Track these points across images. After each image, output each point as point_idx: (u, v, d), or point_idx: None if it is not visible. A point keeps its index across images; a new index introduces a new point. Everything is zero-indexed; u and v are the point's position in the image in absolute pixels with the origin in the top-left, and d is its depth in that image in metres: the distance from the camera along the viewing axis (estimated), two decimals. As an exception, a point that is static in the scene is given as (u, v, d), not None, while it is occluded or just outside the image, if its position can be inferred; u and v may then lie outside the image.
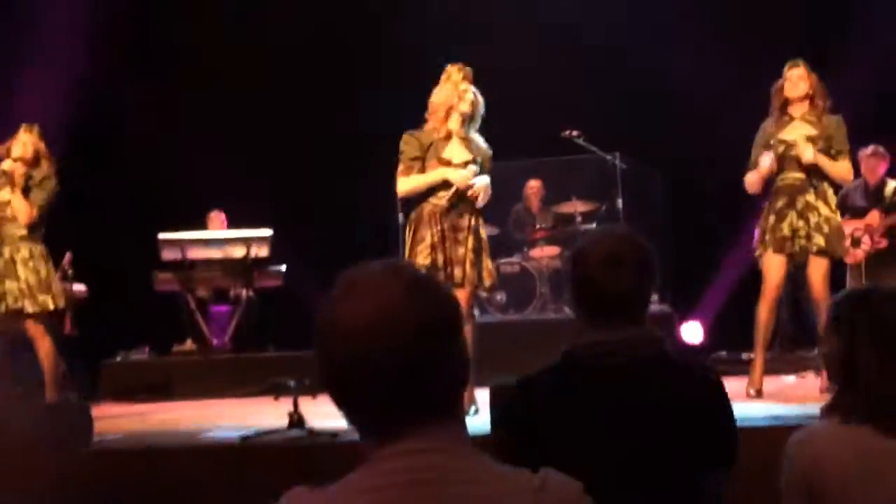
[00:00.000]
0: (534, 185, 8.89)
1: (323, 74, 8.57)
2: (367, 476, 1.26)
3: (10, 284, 5.50)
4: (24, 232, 5.58)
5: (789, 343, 6.78)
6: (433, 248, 4.82)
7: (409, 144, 4.93)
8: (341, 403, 1.30)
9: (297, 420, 4.43)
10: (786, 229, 5.18)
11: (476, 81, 5.01)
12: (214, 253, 7.59)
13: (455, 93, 4.92)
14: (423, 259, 4.78)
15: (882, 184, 6.84)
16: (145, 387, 6.94)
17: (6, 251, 5.56)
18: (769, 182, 5.28)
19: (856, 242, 6.43)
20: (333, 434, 4.16)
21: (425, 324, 1.26)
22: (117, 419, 5.77)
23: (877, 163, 6.80)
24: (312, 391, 4.74)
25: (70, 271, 7.21)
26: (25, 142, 5.66)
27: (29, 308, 5.52)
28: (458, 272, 4.84)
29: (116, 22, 8.42)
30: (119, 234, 8.32)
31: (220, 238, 7.73)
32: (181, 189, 8.12)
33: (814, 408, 4.36)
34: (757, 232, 5.39)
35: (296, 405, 4.49)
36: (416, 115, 5.04)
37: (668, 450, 1.96)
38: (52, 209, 5.69)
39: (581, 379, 2.02)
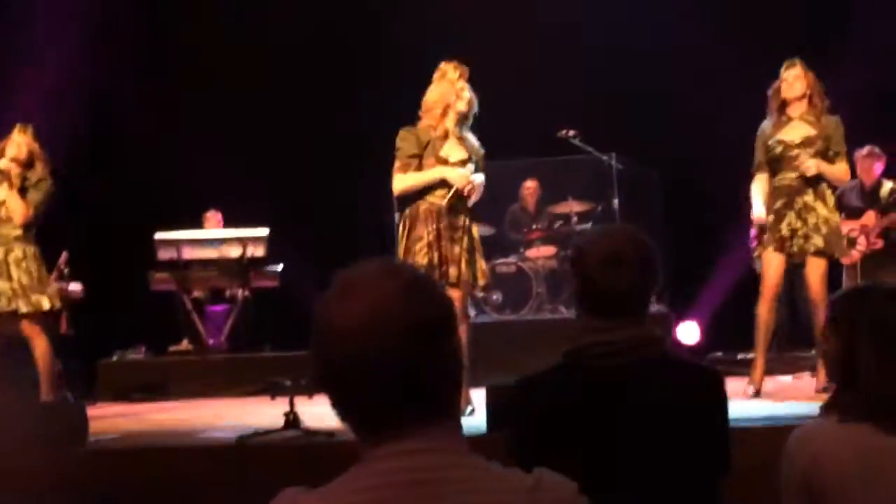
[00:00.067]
0: (530, 185, 8.89)
1: (323, 74, 8.57)
2: (362, 476, 1.26)
3: (3, 285, 5.50)
4: (18, 232, 5.57)
5: (786, 343, 6.78)
6: (429, 246, 4.81)
7: (406, 141, 4.90)
8: (336, 403, 1.30)
9: (293, 420, 4.42)
10: (784, 230, 5.19)
11: (474, 80, 5.00)
12: (211, 253, 7.58)
13: (452, 91, 4.90)
14: (421, 258, 4.77)
15: (878, 184, 6.84)
16: (141, 386, 6.94)
17: (0, 252, 5.55)
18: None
19: (851, 243, 6.43)
20: (330, 434, 4.15)
21: (420, 324, 1.26)
22: (113, 419, 5.76)
23: (872, 163, 6.81)
24: (309, 391, 4.73)
25: (66, 270, 7.20)
26: (20, 143, 5.65)
27: (23, 308, 5.51)
28: (453, 271, 4.82)
29: (116, 21, 8.41)
30: (115, 233, 8.31)
31: (216, 238, 7.72)
32: (180, 189, 8.11)
33: (809, 407, 4.37)
34: (753, 231, 5.40)
35: (292, 405, 4.48)
36: (415, 115, 5.03)
37: (669, 451, 1.96)
38: (46, 210, 5.69)
39: (582, 380, 2.01)
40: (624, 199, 7.98)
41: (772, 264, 5.23)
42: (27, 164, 5.64)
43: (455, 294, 4.68)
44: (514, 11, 8.42)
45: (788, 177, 5.23)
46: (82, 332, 7.27)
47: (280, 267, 7.70)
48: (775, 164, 5.28)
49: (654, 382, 2.00)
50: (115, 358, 7.52)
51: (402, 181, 4.90)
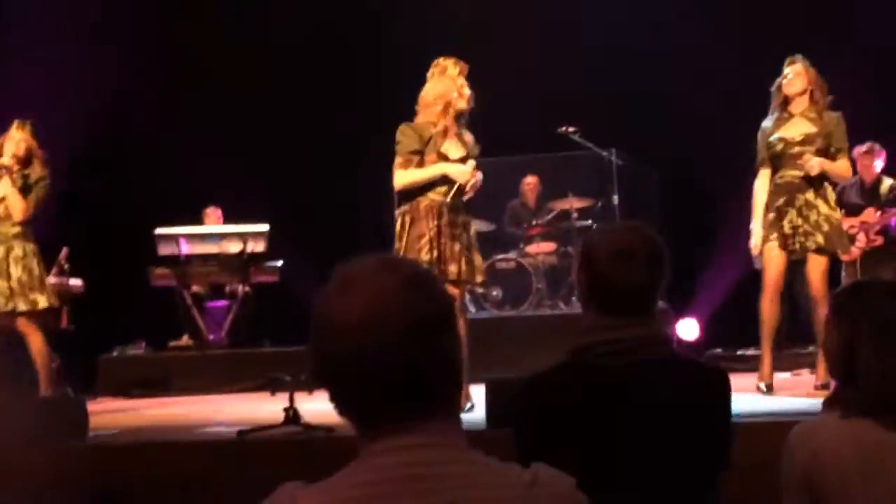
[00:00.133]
0: (530, 181, 8.89)
1: (323, 74, 8.57)
2: (361, 471, 1.26)
3: (1, 284, 5.50)
4: (17, 230, 5.57)
5: (785, 340, 6.78)
6: (430, 243, 4.80)
7: (407, 136, 4.87)
8: (335, 398, 1.30)
9: (292, 415, 4.43)
10: (786, 227, 5.18)
11: (473, 78, 4.99)
12: (211, 248, 7.59)
13: (454, 87, 4.88)
14: (425, 255, 4.75)
15: (878, 181, 6.84)
16: (142, 382, 6.94)
17: (0, 250, 5.55)
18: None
19: (851, 240, 6.43)
20: (329, 429, 4.16)
21: (420, 319, 1.26)
22: (114, 414, 5.77)
23: (872, 160, 6.81)
24: (308, 386, 4.73)
25: (66, 266, 7.20)
26: (18, 139, 5.64)
27: (21, 306, 5.52)
28: (452, 268, 4.81)
29: (116, 21, 8.40)
30: (115, 230, 8.31)
31: (216, 233, 7.72)
32: (180, 188, 8.12)
33: (808, 403, 4.37)
34: (753, 228, 5.39)
35: (292, 400, 4.48)
36: (415, 115, 5.02)
37: (673, 451, 1.95)
38: (45, 207, 5.69)
39: (588, 378, 2.00)
40: (624, 195, 7.98)
41: (773, 259, 5.22)
42: (26, 161, 5.64)
43: (454, 291, 4.67)
44: (514, 11, 8.42)
45: (789, 174, 5.22)
46: (82, 328, 7.28)
47: (280, 263, 7.71)
48: (776, 161, 5.27)
49: (660, 382, 1.99)
50: (115, 353, 7.52)
51: (404, 177, 4.88)
